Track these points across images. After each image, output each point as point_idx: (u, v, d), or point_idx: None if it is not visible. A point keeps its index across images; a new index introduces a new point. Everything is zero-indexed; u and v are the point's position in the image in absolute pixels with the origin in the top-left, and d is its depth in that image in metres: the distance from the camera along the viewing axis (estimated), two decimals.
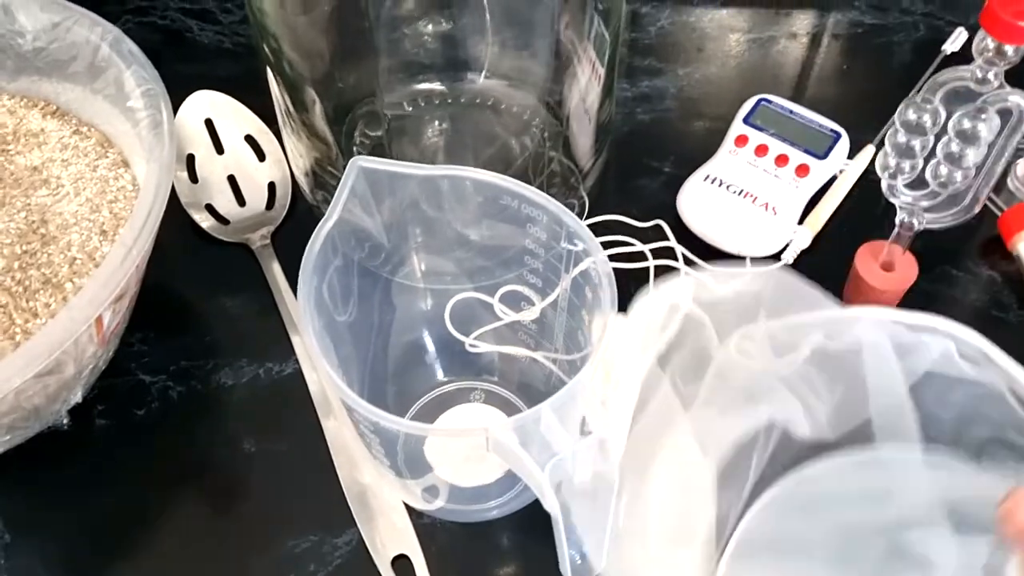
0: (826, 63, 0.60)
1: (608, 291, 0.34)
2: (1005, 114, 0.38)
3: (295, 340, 0.46)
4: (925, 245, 0.48)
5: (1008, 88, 0.37)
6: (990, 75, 0.37)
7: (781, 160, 0.50)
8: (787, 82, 0.58)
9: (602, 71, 0.43)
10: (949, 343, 0.34)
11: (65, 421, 0.41)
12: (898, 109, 0.39)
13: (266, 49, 0.42)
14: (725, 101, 0.56)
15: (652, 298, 0.35)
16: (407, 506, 0.41)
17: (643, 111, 0.56)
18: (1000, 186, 0.52)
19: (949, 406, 0.36)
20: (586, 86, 0.44)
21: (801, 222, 0.49)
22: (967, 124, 0.38)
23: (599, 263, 0.35)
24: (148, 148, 0.39)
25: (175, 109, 0.51)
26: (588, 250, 0.36)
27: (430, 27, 0.47)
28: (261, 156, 0.52)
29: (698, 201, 0.50)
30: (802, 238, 0.48)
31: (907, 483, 0.36)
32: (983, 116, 0.38)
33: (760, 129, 0.52)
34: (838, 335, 0.35)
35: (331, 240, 0.35)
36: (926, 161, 0.40)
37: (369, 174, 0.37)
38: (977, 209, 0.42)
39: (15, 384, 0.32)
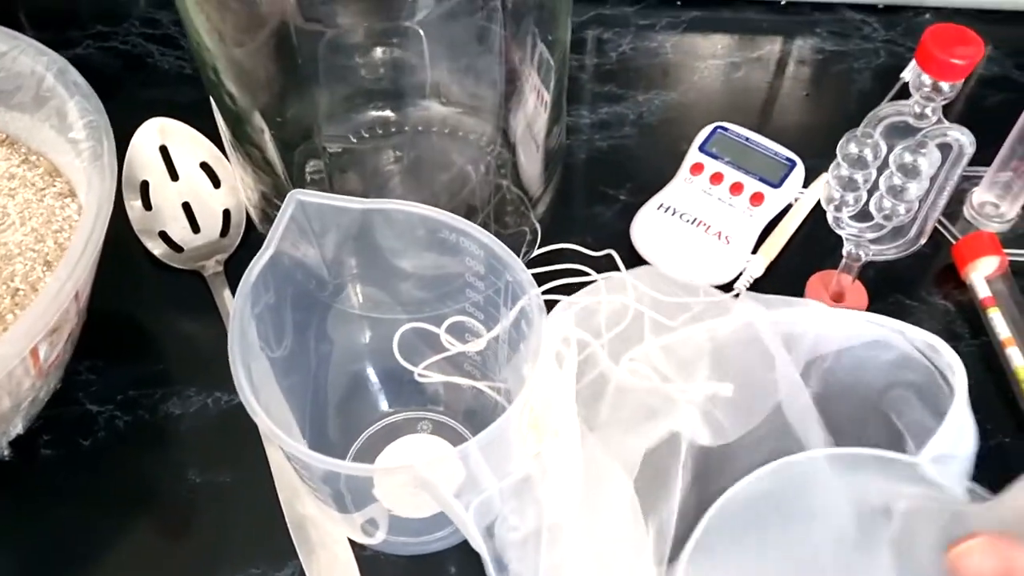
0: (788, 89, 0.60)
1: (538, 328, 0.34)
2: (945, 148, 0.38)
3: None
4: (878, 274, 0.48)
5: (946, 123, 0.37)
6: (927, 110, 0.37)
7: (736, 188, 0.50)
8: (748, 109, 0.58)
9: (548, 97, 0.43)
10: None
11: (5, 453, 0.41)
12: (840, 143, 0.39)
13: (207, 79, 0.42)
14: (685, 128, 0.56)
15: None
16: (350, 539, 0.41)
17: (601, 138, 0.56)
18: (955, 215, 0.52)
19: (840, 372, 0.40)
20: (532, 113, 0.44)
21: (755, 251, 0.49)
22: (908, 158, 0.38)
23: (532, 299, 0.35)
24: (88, 180, 0.39)
25: (133, 134, 0.51)
26: (522, 284, 0.35)
27: (377, 54, 0.47)
28: (216, 183, 0.52)
29: (651, 230, 0.50)
30: (756, 267, 0.48)
31: (826, 498, 0.37)
32: (923, 151, 0.38)
33: (716, 157, 0.52)
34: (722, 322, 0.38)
35: (264, 276, 0.35)
36: (870, 194, 0.40)
37: (308, 207, 0.37)
38: (923, 241, 0.42)
39: None
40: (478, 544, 0.31)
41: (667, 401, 0.37)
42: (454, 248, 0.38)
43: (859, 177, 0.40)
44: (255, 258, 0.35)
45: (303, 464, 0.33)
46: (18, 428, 0.40)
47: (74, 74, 0.42)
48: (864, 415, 0.40)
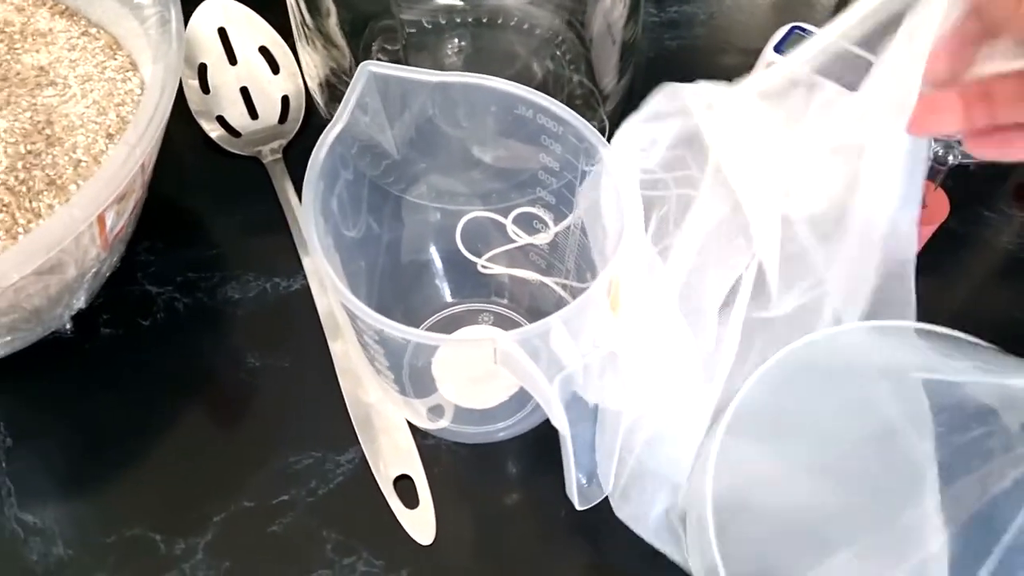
0: None
1: (627, 204, 0.32)
2: None
3: (303, 256, 0.45)
4: (957, 184, 0.46)
5: None
6: None
7: None
8: (822, 11, 0.56)
9: None
10: None
11: (68, 327, 0.40)
12: None
13: None
14: (756, 30, 0.54)
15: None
16: (411, 426, 0.41)
17: (670, 37, 0.54)
18: None
19: None
20: (610, 5, 0.42)
21: None
22: None
23: (619, 175, 0.33)
24: (155, 47, 0.38)
25: (187, 16, 0.50)
26: (605, 164, 0.34)
27: None
28: (275, 69, 0.51)
29: None
30: None
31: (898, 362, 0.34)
32: None
33: None
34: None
35: (340, 150, 0.34)
36: None
37: (380, 81, 0.36)
38: None
39: (12, 279, 0.32)
40: (560, 421, 0.30)
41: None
42: (531, 128, 0.37)
43: None
44: (326, 129, 0.34)
45: (380, 339, 0.32)
46: (80, 302, 0.39)
47: None
48: None
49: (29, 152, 0.40)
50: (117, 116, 0.41)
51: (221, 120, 0.49)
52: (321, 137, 0.34)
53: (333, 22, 0.44)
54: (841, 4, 0.56)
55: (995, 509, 0.33)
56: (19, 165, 0.39)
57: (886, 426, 0.35)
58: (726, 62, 0.53)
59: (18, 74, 0.42)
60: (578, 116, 0.35)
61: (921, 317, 0.40)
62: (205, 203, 0.48)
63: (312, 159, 0.33)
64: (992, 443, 0.34)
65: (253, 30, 0.51)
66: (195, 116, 0.49)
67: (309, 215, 0.32)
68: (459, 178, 0.41)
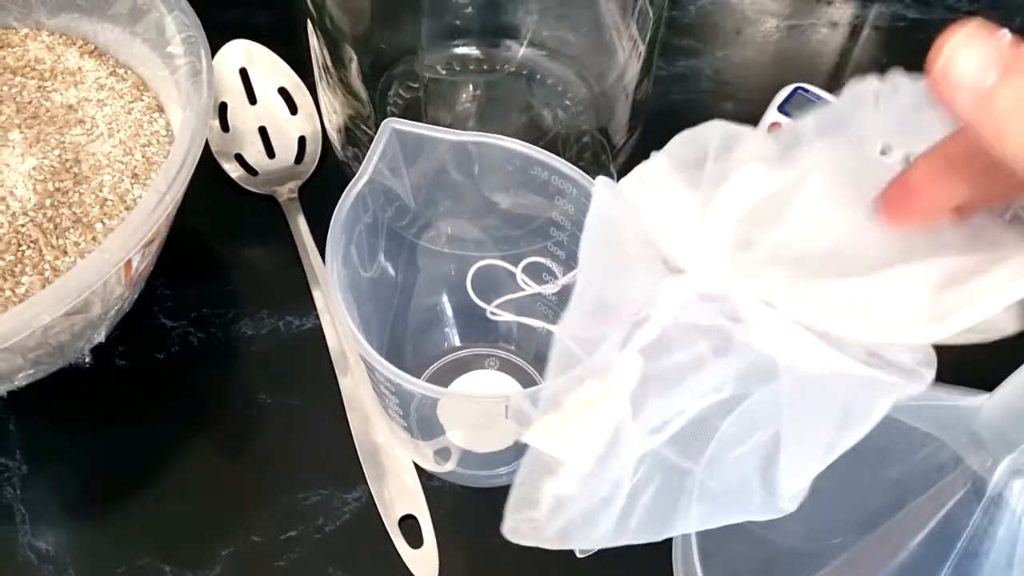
0: (864, 56, 0.59)
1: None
2: None
3: (316, 295, 0.47)
4: None
5: None
6: None
7: None
8: (823, 72, 0.58)
9: (643, 48, 0.43)
10: None
11: (87, 359, 0.41)
12: None
13: (308, 3, 0.42)
14: (760, 87, 0.56)
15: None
16: (417, 467, 0.42)
17: (678, 91, 0.56)
18: None
19: None
20: (625, 63, 0.44)
21: None
22: None
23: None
24: (186, 96, 0.39)
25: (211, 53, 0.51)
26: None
27: None
28: (293, 109, 0.52)
29: None
30: None
31: None
32: None
33: (795, 118, 0.51)
34: None
35: (361, 198, 0.36)
36: None
37: (401, 136, 0.37)
38: None
39: (44, 320, 0.33)
40: None
41: None
42: (544, 186, 0.38)
43: None
44: (352, 182, 0.36)
45: (396, 390, 0.34)
46: (101, 336, 0.40)
47: None
48: None
49: (57, 190, 0.41)
50: (143, 156, 0.43)
51: (239, 158, 0.51)
52: (345, 191, 0.35)
53: (354, 69, 0.46)
54: (843, 71, 0.58)
55: (950, 519, 0.35)
56: (47, 202, 0.40)
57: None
58: (729, 117, 0.54)
59: (47, 112, 0.44)
60: (587, 177, 0.37)
61: None
62: (221, 240, 0.49)
63: (336, 213, 0.35)
64: (943, 456, 0.36)
65: (274, 71, 0.52)
66: (215, 155, 0.50)
67: (333, 270, 0.34)
68: (474, 224, 0.42)
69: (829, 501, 0.36)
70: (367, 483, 0.41)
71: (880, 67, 0.62)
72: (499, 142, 0.37)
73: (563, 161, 0.37)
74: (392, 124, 0.37)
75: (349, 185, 0.35)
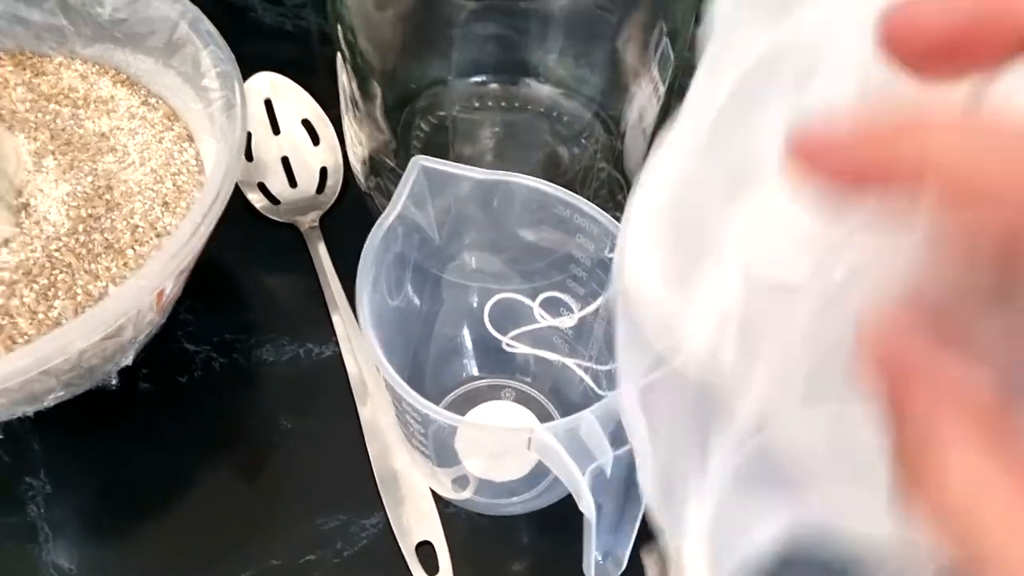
0: None
1: None
2: None
3: (336, 323, 0.48)
4: None
5: None
6: None
7: None
8: None
9: (663, 91, 0.44)
10: None
11: (114, 381, 0.42)
12: None
13: (340, 38, 0.43)
14: None
15: None
16: (434, 494, 0.43)
17: None
18: None
19: None
20: (646, 105, 0.45)
21: None
22: None
23: None
24: (220, 129, 0.40)
25: None
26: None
27: (492, 28, 0.49)
28: (316, 140, 0.54)
29: None
30: None
31: None
32: None
33: None
34: None
35: (392, 231, 0.37)
36: None
37: (428, 172, 0.39)
38: None
39: (81, 346, 0.34)
40: (588, 508, 0.32)
41: None
42: (567, 224, 0.39)
43: None
44: (382, 216, 0.37)
45: (419, 417, 0.35)
46: (128, 359, 0.41)
47: (207, 24, 0.43)
48: None
49: (90, 216, 0.42)
50: (173, 185, 0.44)
51: (261, 187, 0.52)
52: (377, 224, 0.36)
53: (380, 103, 0.47)
54: None
55: None
56: (80, 228, 0.42)
57: None
58: None
59: (81, 139, 0.45)
60: (609, 217, 0.38)
61: None
62: (243, 267, 0.50)
63: (367, 244, 0.36)
64: None
65: (298, 103, 0.54)
66: (239, 184, 0.51)
67: (362, 299, 0.35)
68: (493, 257, 0.43)
69: None
70: (384, 509, 0.42)
71: None
72: (524, 181, 0.39)
73: (585, 201, 0.38)
74: (421, 161, 0.38)
75: (380, 218, 0.37)
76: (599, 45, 0.45)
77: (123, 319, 0.35)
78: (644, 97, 0.45)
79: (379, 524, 0.42)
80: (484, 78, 0.49)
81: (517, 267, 0.43)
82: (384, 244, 0.37)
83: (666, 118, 0.47)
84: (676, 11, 0.42)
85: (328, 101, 0.55)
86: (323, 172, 0.53)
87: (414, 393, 0.33)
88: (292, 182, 0.52)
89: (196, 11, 0.44)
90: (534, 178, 0.39)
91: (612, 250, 0.38)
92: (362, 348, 0.46)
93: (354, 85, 0.45)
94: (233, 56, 0.43)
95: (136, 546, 0.42)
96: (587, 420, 0.32)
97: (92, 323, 0.34)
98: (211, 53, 0.42)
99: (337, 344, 0.47)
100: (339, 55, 0.45)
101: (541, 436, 0.32)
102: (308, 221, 0.51)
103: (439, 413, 0.33)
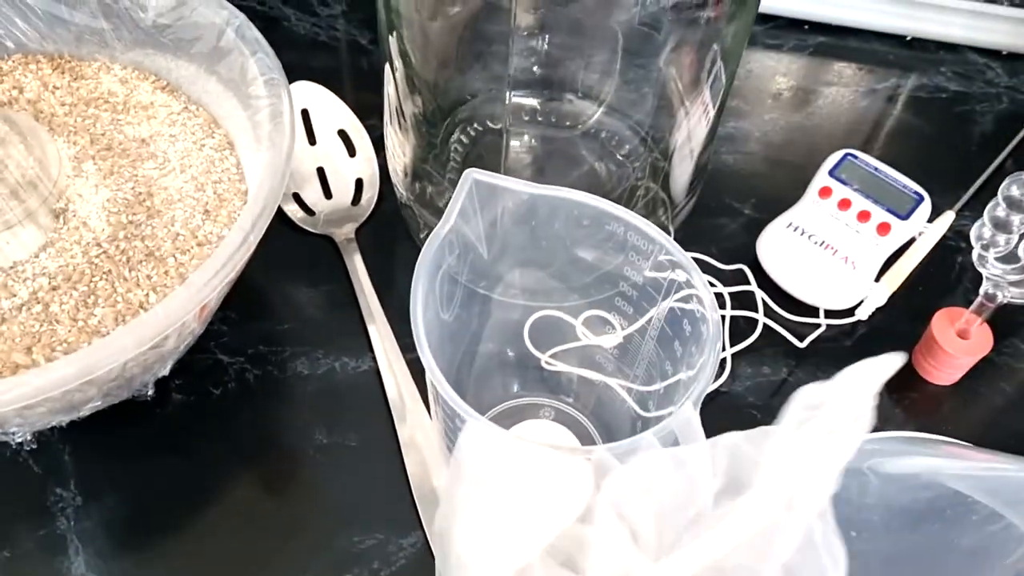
0: (906, 125, 0.60)
1: (712, 327, 0.34)
2: None
3: (373, 336, 0.47)
4: (998, 316, 0.48)
5: None
6: None
7: (863, 216, 0.51)
8: (868, 139, 0.59)
9: (712, 113, 0.44)
10: None
11: (150, 392, 0.42)
12: (1003, 184, 0.40)
13: (390, 47, 0.42)
14: (807, 150, 0.57)
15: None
16: None
17: (727, 151, 0.57)
18: None
19: None
20: (695, 126, 0.45)
21: (877, 280, 0.50)
22: None
23: (706, 299, 0.35)
24: (268, 136, 0.40)
25: None
26: (693, 284, 0.36)
27: (536, 43, 0.48)
28: (351, 151, 0.53)
29: (779, 247, 0.50)
30: (879, 295, 0.49)
31: None
32: None
33: (845, 183, 0.52)
34: None
35: (447, 243, 0.36)
36: (1021, 237, 0.41)
37: (480, 186, 0.38)
38: None
39: (130, 355, 0.33)
40: None
41: None
42: (619, 239, 0.39)
43: (1016, 220, 0.40)
44: (436, 228, 0.36)
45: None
46: (166, 369, 0.41)
47: (254, 31, 0.43)
48: None
49: (130, 222, 0.41)
50: (214, 193, 0.43)
51: (296, 198, 0.51)
52: (431, 236, 0.36)
53: (424, 114, 0.46)
54: (889, 139, 0.59)
55: None
56: (120, 235, 0.41)
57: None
58: (778, 180, 0.56)
59: (120, 144, 0.44)
60: (665, 234, 0.37)
61: (955, 434, 0.43)
62: (278, 278, 0.50)
63: (421, 256, 0.35)
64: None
65: (335, 113, 0.53)
66: None
67: (416, 311, 0.34)
68: (541, 274, 0.43)
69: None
70: (423, 528, 0.41)
71: (922, 136, 0.63)
72: (578, 198, 0.38)
73: (638, 217, 0.37)
74: (473, 174, 0.37)
75: (434, 231, 0.36)
76: (650, 66, 0.45)
77: (171, 328, 0.34)
78: (694, 119, 0.44)
79: (417, 544, 0.41)
80: (529, 92, 0.49)
81: (564, 283, 0.42)
82: (438, 257, 0.36)
83: (712, 139, 0.46)
84: (729, 32, 0.42)
85: (360, 111, 0.55)
86: (358, 184, 0.52)
87: (473, 412, 0.32)
88: (327, 193, 0.52)
89: (242, 17, 0.43)
90: (587, 194, 0.38)
91: (668, 267, 0.38)
92: (400, 364, 0.45)
93: (400, 96, 0.44)
94: (280, 64, 0.42)
95: (166, 560, 0.41)
96: (647, 441, 0.32)
97: (142, 332, 0.33)
98: (259, 60, 0.42)
99: (373, 358, 0.46)
100: (387, 65, 0.44)
101: (600, 458, 0.31)
102: (344, 233, 0.50)
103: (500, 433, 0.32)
